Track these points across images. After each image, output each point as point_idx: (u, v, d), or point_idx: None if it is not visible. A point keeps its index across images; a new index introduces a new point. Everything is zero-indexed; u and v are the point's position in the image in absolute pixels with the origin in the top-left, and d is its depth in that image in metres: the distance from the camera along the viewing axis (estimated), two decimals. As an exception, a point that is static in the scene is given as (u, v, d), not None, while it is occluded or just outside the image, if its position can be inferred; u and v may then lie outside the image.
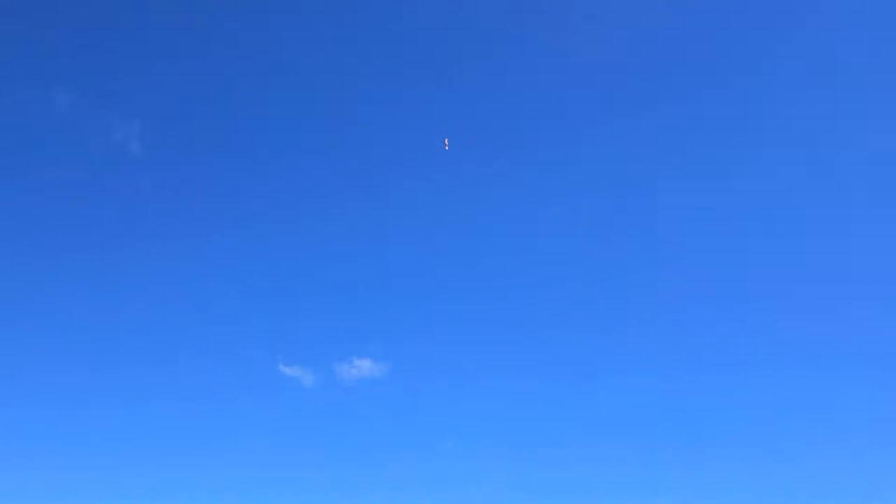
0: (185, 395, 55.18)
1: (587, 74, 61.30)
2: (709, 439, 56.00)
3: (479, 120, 62.82)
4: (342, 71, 55.53)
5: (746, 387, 58.23)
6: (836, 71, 63.73)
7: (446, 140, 61.29)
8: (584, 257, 61.63)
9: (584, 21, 63.12)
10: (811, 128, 64.63)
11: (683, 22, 64.03)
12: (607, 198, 63.70)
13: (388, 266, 60.36)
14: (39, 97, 50.03)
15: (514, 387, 58.70)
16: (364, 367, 65.56)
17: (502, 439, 57.96)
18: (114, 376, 51.55)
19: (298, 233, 56.08)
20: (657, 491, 52.66)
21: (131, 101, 50.61)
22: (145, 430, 53.02)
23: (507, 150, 63.68)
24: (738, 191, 62.91)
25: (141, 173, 49.73)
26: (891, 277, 59.42)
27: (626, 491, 54.10)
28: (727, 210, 63.41)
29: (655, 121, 63.98)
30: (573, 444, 58.15)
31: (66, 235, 48.43)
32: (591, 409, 58.30)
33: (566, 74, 61.46)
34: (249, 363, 54.56)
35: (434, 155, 60.34)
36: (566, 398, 57.71)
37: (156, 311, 51.44)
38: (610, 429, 57.29)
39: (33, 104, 49.62)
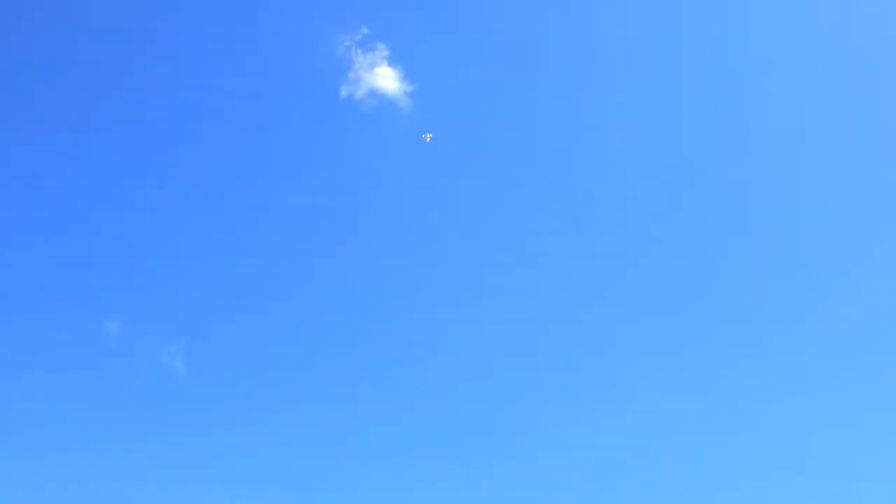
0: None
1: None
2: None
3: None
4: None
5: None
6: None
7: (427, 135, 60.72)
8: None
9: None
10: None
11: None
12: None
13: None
14: (91, 325, 57.18)
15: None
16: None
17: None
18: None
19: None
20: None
21: (176, 323, 57.38)
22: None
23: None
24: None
25: (186, 393, 55.73)
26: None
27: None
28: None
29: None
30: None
31: (119, 460, 53.47)
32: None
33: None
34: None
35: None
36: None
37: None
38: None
39: (85, 332, 56.85)
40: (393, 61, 61.86)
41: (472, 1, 65.62)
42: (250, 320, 57.66)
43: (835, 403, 53.16)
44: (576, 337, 57.12)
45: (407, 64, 61.83)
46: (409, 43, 63.19)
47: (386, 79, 61.55)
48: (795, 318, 56.69)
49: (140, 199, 61.08)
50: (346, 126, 62.39)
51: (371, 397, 55.17)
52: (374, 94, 61.52)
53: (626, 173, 62.09)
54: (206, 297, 58.12)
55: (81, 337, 56.00)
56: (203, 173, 62.33)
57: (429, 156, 61.92)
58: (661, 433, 53.08)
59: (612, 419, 53.84)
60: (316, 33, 63.36)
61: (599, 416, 54.13)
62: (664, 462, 52.40)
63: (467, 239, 60.65)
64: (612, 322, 57.17)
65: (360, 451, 53.66)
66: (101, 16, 63.99)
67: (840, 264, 58.25)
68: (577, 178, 62.64)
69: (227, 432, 53.66)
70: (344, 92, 61.68)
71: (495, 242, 60.58)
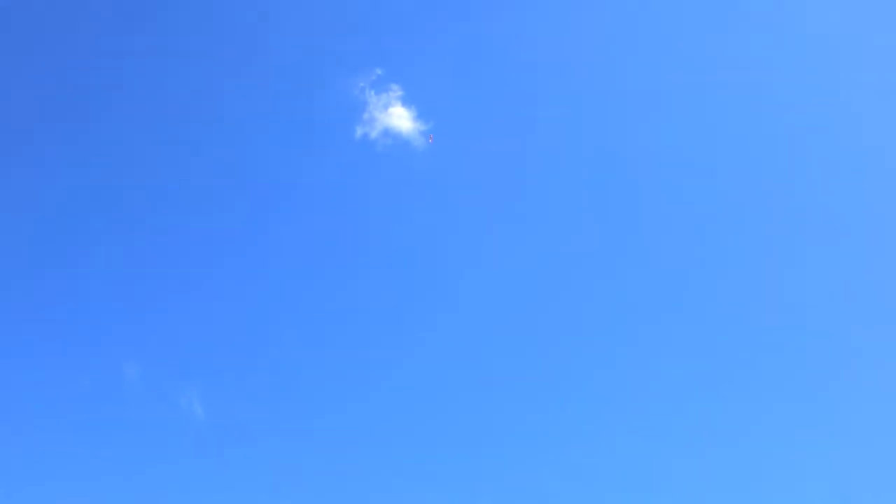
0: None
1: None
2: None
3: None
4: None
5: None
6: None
7: (430, 136, 61.60)
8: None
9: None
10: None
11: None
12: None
13: None
14: (110, 369, 57.62)
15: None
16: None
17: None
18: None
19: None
20: None
21: (194, 366, 57.90)
22: None
23: None
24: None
25: (205, 437, 55.84)
26: None
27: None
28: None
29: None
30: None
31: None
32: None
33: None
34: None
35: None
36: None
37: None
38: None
39: (104, 376, 57.35)
40: (406, 101, 62.86)
41: (484, 41, 66.19)
42: (268, 363, 58.21)
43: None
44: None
45: (421, 103, 62.83)
46: (422, 83, 64.09)
47: (400, 118, 62.47)
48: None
49: (159, 247, 61.88)
50: (362, 166, 63.37)
51: (393, 443, 55.47)
52: (388, 133, 62.43)
53: (641, 215, 62.15)
54: (223, 341, 58.55)
55: (100, 380, 56.50)
56: (220, 218, 63.08)
57: (444, 194, 63.08)
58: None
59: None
60: (331, 76, 64.60)
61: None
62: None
63: (484, 279, 60.70)
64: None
65: (380, 497, 53.70)
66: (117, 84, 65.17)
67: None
68: (595, 219, 62.45)
69: (246, 475, 53.97)
70: (359, 132, 62.62)
71: (512, 282, 60.60)
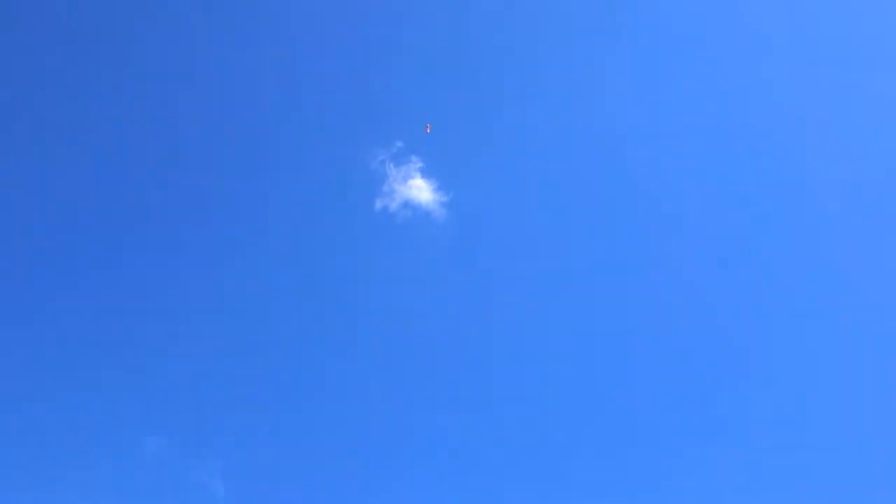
0: None
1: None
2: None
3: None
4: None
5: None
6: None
7: (427, 126, 61.44)
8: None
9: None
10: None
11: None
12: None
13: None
14: (131, 443, 57.03)
15: None
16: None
17: None
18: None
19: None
20: None
21: (215, 442, 57.42)
22: None
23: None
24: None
25: None
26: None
27: None
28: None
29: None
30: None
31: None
32: None
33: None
34: None
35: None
36: None
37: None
38: None
39: (125, 449, 56.66)
40: (426, 173, 63.00)
41: (502, 111, 66.50)
42: (289, 441, 57.29)
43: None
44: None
45: (440, 175, 63.00)
46: (441, 155, 64.09)
47: (420, 190, 62.54)
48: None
49: (184, 322, 61.28)
50: (382, 238, 63.06)
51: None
52: (408, 205, 62.35)
53: (670, 286, 61.30)
54: (245, 417, 57.75)
55: (120, 454, 55.89)
56: (239, 292, 62.22)
57: (465, 264, 62.43)
58: None
59: None
60: (351, 149, 64.68)
61: None
62: None
63: (509, 355, 59.81)
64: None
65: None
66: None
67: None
68: (620, 293, 61.47)
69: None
70: (378, 205, 62.57)
71: (534, 360, 59.60)
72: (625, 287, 60.88)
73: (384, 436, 56.66)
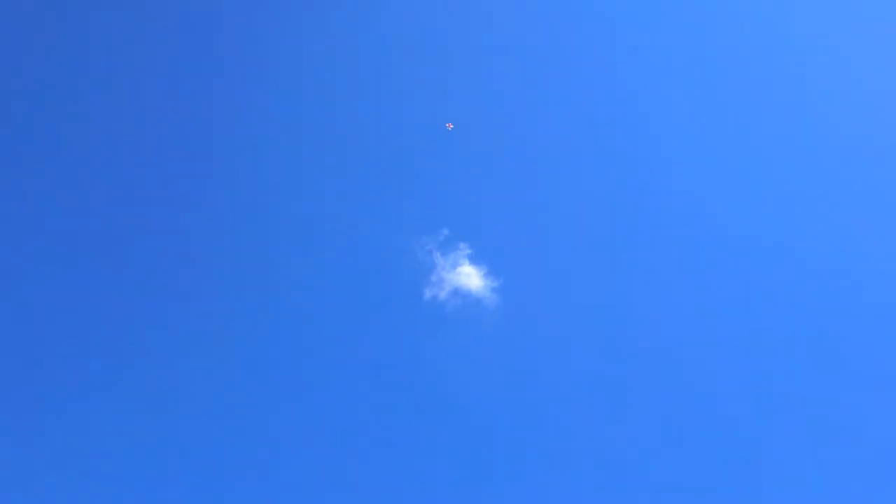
0: None
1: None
2: None
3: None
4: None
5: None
6: None
7: (449, 124, 61.33)
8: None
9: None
10: None
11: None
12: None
13: None
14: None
15: None
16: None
17: None
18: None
19: None
20: None
21: None
22: None
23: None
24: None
25: None
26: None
27: None
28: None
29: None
30: None
31: None
32: None
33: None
34: None
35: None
36: None
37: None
38: None
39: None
40: (475, 259, 62.19)
41: (548, 194, 66.02)
42: None
43: None
44: None
45: (489, 260, 62.16)
46: (490, 240, 63.55)
47: (469, 277, 61.67)
48: None
49: (222, 396, 59.77)
50: (432, 328, 61.50)
51: None
52: (458, 293, 61.34)
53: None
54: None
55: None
56: (290, 391, 60.91)
57: (518, 350, 60.53)
58: None
59: None
60: (398, 239, 64.19)
61: None
62: None
63: (563, 440, 57.68)
64: None
65: None
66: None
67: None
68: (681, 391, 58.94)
69: None
70: (427, 294, 61.69)
71: (586, 445, 57.69)
72: (687, 383, 58.10)
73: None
